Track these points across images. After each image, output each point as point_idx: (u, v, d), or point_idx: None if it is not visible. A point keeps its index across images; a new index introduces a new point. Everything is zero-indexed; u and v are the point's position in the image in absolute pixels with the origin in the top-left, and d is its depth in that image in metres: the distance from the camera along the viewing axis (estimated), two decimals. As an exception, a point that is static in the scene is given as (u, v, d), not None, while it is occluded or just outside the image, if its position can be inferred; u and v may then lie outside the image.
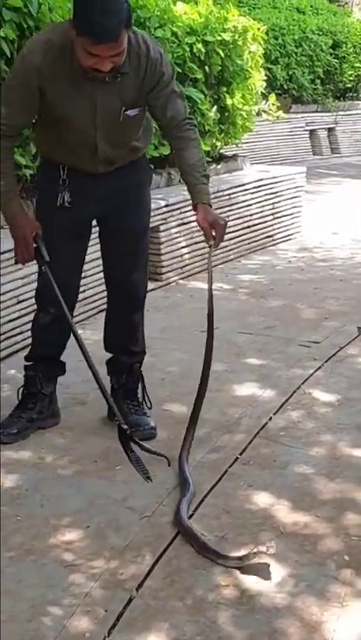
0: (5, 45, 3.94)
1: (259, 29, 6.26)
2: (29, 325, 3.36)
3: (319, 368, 3.89)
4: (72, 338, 3.01)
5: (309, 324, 4.58)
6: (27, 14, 4.09)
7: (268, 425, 3.29)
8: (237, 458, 3.01)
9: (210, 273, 3.02)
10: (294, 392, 3.61)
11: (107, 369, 3.36)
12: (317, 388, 3.67)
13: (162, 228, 5.23)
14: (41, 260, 2.98)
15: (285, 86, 11.08)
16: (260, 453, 3.04)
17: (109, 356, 3.36)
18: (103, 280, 3.38)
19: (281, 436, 3.20)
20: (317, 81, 11.64)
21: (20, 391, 3.26)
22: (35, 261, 3.05)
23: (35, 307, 3.32)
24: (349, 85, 12.32)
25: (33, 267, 3.56)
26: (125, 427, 2.84)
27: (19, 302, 4.01)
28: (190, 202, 3.04)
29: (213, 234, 2.94)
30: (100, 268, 3.39)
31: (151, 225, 5.09)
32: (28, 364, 3.27)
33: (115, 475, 2.89)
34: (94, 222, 3.21)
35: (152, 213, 5.04)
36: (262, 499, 2.73)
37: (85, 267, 3.64)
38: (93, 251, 3.39)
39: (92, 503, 2.69)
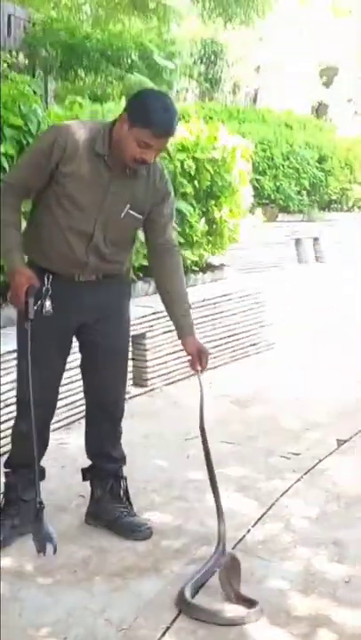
0: (5, 161, 4.15)
1: (247, 148, 6.57)
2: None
3: (298, 480, 3.96)
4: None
5: (290, 435, 4.67)
6: (27, 132, 4.33)
7: (247, 537, 3.34)
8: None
9: (201, 395, 3.18)
10: (273, 504, 3.67)
11: (84, 476, 3.45)
12: (296, 500, 3.73)
13: (148, 335, 5.37)
14: (27, 315, 3.02)
15: (273, 196, 11.47)
16: (238, 567, 3.07)
17: (88, 462, 3.45)
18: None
19: (259, 549, 3.25)
20: (303, 192, 12.06)
21: (1, 497, 3.31)
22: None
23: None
24: (334, 197, 12.75)
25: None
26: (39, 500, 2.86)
27: (7, 406, 4.08)
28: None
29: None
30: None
31: (137, 332, 5.29)
32: (7, 470, 3.32)
33: (93, 585, 2.92)
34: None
35: (139, 321, 5.27)
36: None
37: (71, 372, 3.74)
38: (78, 358, 3.50)
39: (70, 614, 2.72)
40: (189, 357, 3.28)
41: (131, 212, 3.11)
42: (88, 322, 3.21)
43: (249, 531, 3.39)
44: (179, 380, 5.60)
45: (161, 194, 3.17)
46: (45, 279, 3.09)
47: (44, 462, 3.47)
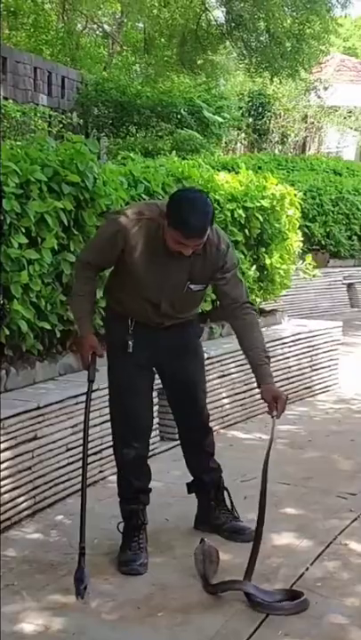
0: (64, 216, 4.35)
1: (295, 195, 6.72)
2: (78, 472, 3.56)
3: (355, 519, 4.00)
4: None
5: (346, 476, 4.71)
6: (83, 188, 4.54)
7: (305, 575, 3.40)
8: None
9: (271, 439, 3.40)
10: (331, 543, 3.72)
11: (189, 489, 3.86)
12: (353, 539, 3.77)
13: (204, 379, 5.47)
14: (89, 376, 3.47)
15: (323, 242, 11.57)
16: (298, 603, 3.13)
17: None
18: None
19: (317, 586, 3.30)
20: (354, 237, 12.13)
21: (122, 526, 3.56)
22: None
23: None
24: (385, 241, 12.79)
25: (81, 417, 3.88)
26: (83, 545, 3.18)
27: (68, 450, 4.22)
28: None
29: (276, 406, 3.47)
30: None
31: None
32: (127, 499, 3.59)
33: (157, 621, 3.01)
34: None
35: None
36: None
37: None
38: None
39: (135, 648, 2.81)
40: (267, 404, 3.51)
41: (191, 286, 3.43)
42: (166, 360, 3.58)
43: (307, 568, 3.45)
44: (235, 424, 5.70)
45: (218, 265, 3.44)
46: (129, 322, 3.50)
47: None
